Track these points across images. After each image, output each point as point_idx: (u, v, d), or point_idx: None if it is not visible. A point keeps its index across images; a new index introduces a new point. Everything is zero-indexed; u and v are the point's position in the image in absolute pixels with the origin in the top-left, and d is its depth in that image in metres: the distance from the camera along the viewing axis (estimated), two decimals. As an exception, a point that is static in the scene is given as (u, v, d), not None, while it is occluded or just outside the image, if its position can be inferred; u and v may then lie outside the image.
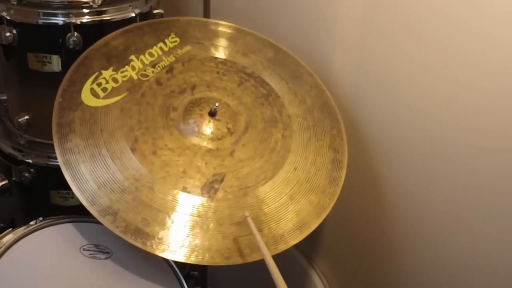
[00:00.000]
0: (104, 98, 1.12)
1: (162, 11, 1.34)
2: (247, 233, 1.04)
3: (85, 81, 1.13)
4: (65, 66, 1.19)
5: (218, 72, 1.24)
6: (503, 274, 1.14)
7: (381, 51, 1.23)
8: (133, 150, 1.07)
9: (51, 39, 1.21)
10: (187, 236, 1.01)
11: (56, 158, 1.06)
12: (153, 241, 1.00)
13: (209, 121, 1.15)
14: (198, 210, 1.04)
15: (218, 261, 1.01)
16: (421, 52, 1.15)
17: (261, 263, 1.03)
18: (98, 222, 1.01)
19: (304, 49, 1.34)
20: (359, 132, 1.31)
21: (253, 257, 1.02)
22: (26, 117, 1.29)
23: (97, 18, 1.21)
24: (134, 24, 1.24)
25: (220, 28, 1.31)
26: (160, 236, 1.00)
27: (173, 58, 1.22)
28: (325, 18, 1.32)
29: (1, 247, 1.04)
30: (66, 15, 1.19)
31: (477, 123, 1.10)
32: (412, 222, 1.29)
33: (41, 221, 1.12)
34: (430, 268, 1.28)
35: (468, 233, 1.18)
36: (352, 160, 1.20)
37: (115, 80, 1.15)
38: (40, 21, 1.20)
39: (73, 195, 1.16)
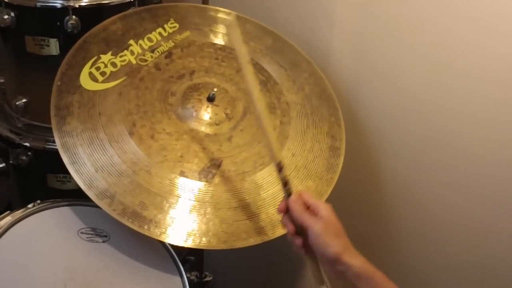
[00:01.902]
0: (102, 82, 1.12)
1: (161, -5, 1.34)
2: (244, 218, 1.05)
3: (83, 65, 1.13)
4: (63, 49, 1.19)
5: (217, 58, 1.24)
6: (505, 261, 1.16)
7: (379, 37, 1.23)
8: (131, 134, 1.08)
9: (49, 22, 1.21)
10: (184, 220, 1.02)
11: (53, 141, 1.07)
12: (150, 224, 1.00)
13: (207, 106, 1.15)
14: (195, 195, 1.05)
15: (215, 245, 1.02)
16: (419, 38, 1.15)
17: (258, 248, 1.04)
18: (96, 206, 1.02)
19: (303, 36, 1.34)
20: (357, 119, 1.32)
21: (250, 242, 1.03)
22: (24, 100, 1.29)
23: (95, 1, 1.21)
24: (133, 9, 1.24)
25: (219, 15, 1.31)
26: (157, 219, 1.01)
27: (172, 44, 1.22)
28: (323, 4, 1.32)
29: (-1, 229, 1.05)
30: (65, -2, 1.18)
31: (475, 110, 1.11)
32: (411, 209, 1.30)
33: (39, 204, 1.12)
34: (428, 253, 1.29)
35: (467, 218, 1.19)
36: (350, 147, 1.21)
37: (113, 64, 1.15)
38: (38, 4, 1.19)
39: (70, 179, 1.17)
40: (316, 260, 0.93)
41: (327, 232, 0.87)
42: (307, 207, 0.91)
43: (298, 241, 0.92)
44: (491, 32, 1.04)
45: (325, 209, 0.90)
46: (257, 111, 0.95)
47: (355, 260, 0.86)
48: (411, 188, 1.27)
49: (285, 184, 0.93)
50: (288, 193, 0.93)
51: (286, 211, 0.93)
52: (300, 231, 0.91)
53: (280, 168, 0.93)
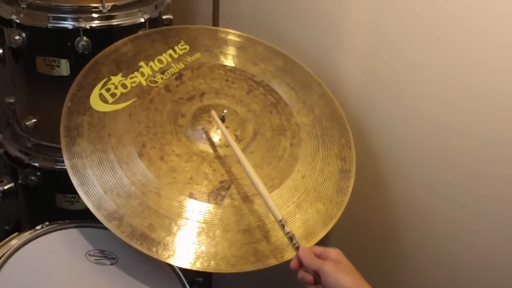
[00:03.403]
0: (112, 103, 1.13)
1: (171, 17, 1.35)
2: (254, 241, 1.04)
3: (94, 86, 1.14)
4: (74, 70, 1.20)
5: (227, 80, 1.24)
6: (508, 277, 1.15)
7: (389, 58, 1.23)
8: (140, 155, 1.08)
9: (60, 43, 1.22)
10: (193, 243, 1.01)
11: (62, 161, 1.07)
12: (159, 246, 1.00)
13: (217, 128, 1.15)
14: (204, 217, 1.04)
15: (224, 269, 1.01)
16: (430, 58, 1.15)
17: (267, 270, 1.03)
18: (104, 228, 1.01)
19: (313, 56, 1.35)
20: (367, 140, 1.31)
21: (258, 265, 1.02)
22: (34, 120, 1.30)
23: (106, 23, 1.22)
24: (143, 31, 1.25)
25: (230, 37, 1.32)
26: (165, 242, 1.00)
27: (183, 65, 1.22)
28: (333, 25, 1.32)
29: (7, 251, 1.04)
30: (76, 20, 1.19)
31: (490, 131, 1.10)
32: (422, 232, 1.28)
33: (47, 225, 1.12)
34: (441, 276, 1.28)
35: (481, 241, 1.18)
36: (360, 168, 1.20)
37: (124, 85, 1.15)
38: (50, 25, 1.20)
39: (79, 199, 1.17)
40: None
41: (337, 270, 0.90)
42: (318, 256, 0.94)
43: None
44: (506, 53, 1.04)
45: (334, 252, 0.94)
46: (249, 176, 1.02)
47: None
48: (423, 211, 1.26)
49: (291, 239, 0.96)
50: (296, 247, 0.96)
51: (299, 266, 0.95)
52: (317, 278, 0.93)
53: (282, 225, 0.97)
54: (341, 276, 0.89)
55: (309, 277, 0.93)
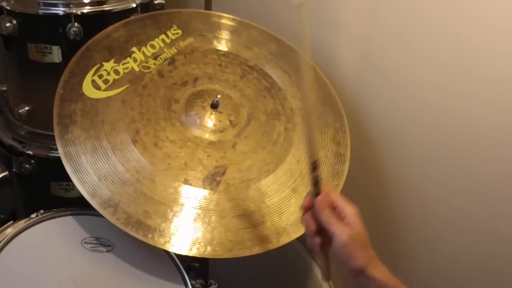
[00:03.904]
0: (105, 89, 1.12)
1: (163, 2, 1.33)
2: (250, 226, 1.05)
3: (86, 73, 1.13)
4: (66, 57, 1.19)
5: (220, 65, 1.24)
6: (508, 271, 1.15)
7: (385, 42, 1.22)
8: (134, 142, 1.07)
9: (51, 29, 1.21)
10: (189, 229, 1.02)
11: (56, 149, 1.07)
12: (155, 233, 1.00)
13: (211, 113, 1.15)
14: (200, 203, 1.04)
15: (220, 254, 1.01)
16: (427, 42, 1.15)
17: (264, 255, 1.03)
18: (99, 215, 1.02)
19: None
20: (362, 125, 1.31)
21: (255, 250, 1.03)
22: (27, 108, 1.29)
23: (98, 8, 1.21)
24: (135, 16, 1.24)
25: (223, 21, 1.31)
26: (161, 228, 1.01)
27: (175, 50, 1.22)
28: (328, 8, 1.31)
29: (2, 240, 1.05)
30: (67, 5, 1.18)
31: (485, 115, 1.10)
32: (417, 215, 1.29)
33: (42, 213, 1.12)
34: (435, 260, 1.28)
35: (475, 224, 1.18)
36: (355, 153, 1.21)
37: (116, 72, 1.15)
38: (41, 11, 1.19)
39: (73, 187, 1.17)
40: (328, 258, 0.91)
41: (354, 243, 0.84)
42: (333, 208, 0.88)
43: (317, 240, 0.89)
44: (503, 35, 1.03)
45: (352, 215, 0.86)
46: (306, 107, 0.93)
47: (379, 273, 0.84)
48: (418, 195, 1.27)
49: (316, 183, 0.89)
50: (316, 192, 0.89)
51: (309, 209, 0.89)
52: (321, 231, 0.88)
53: (315, 167, 0.88)
54: (356, 250, 0.83)
55: (313, 226, 0.88)
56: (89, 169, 1.04)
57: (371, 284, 0.84)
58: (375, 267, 0.85)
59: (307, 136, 0.91)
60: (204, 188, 1.06)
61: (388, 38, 1.22)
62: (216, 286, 1.45)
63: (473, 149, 1.13)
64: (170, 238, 1.00)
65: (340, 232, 0.84)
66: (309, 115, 0.92)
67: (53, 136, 1.08)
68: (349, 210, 0.87)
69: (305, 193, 1.10)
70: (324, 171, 1.15)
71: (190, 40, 1.24)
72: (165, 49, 1.21)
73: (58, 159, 1.05)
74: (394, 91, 1.25)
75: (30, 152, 1.30)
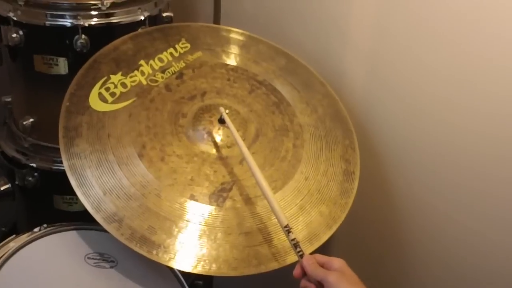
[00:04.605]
0: (112, 102, 1.13)
1: (171, 14, 1.35)
2: (256, 243, 1.05)
3: (93, 85, 1.14)
4: (72, 68, 1.21)
5: (228, 79, 1.24)
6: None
7: (394, 57, 1.23)
8: (140, 156, 1.08)
9: (58, 41, 1.22)
10: (194, 246, 1.02)
11: (60, 162, 1.08)
12: (159, 249, 1.00)
13: (219, 128, 1.16)
14: (205, 219, 1.05)
15: (225, 272, 1.01)
16: (436, 57, 1.15)
17: (268, 274, 1.03)
18: (103, 230, 1.02)
19: (316, 56, 1.35)
20: (372, 141, 1.32)
21: (261, 269, 1.03)
22: (31, 120, 1.30)
23: (105, 20, 1.22)
24: (143, 29, 1.26)
25: (232, 35, 1.32)
26: (166, 244, 1.01)
27: (183, 64, 1.23)
28: (337, 23, 1.32)
29: (4, 254, 1.05)
30: (74, 17, 1.20)
31: (496, 131, 1.10)
32: (428, 235, 1.29)
33: (45, 228, 1.12)
34: (447, 279, 1.28)
35: (487, 244, 1.18)
36: (365, 170, 1.21)
37: (123, 85, 1.16)
38: (48, 23, 1.21)
39: (77, 200, 1.18)
40: None
41: (341, 280, 0.90)
42: (321, 266, 0.94)
43: None
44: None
45: (338, 262, 0.93)
46: (257, 180, 1.02)
47: None
48: (430, 214, 1.27)
49: (296, 246, 0.96)
50: (300, 255, 0.95)
51: (302, 274, 0.95)
52: None
53: (288, 231, 0.97)
54: (345, 287, 0.89)
55: (312, 287, 0.93)
56: (94, 183, 1.04)
57: None
58: None
59: (269, 205, 1.00)
60: (210, 204, 1.06)
61: (397, 53, 1.23)
62: (220, 304, 1.45)
63: (486, 168, 1.14)
64: (174, 255, 1.00)
65: (328, 275, 0.91)
66: (263, 186, 1.01)
67: (57, 149, 1.08)
68: (335, 260, 0.94)
69: (312, 212, 1.11)
70: (333, 189, 1.15)
71: (198, 54, 1.25)
72: (173, 63, 1.22)
73: (62, 172, 1.06)
74: (403, 107, 1.25)
75: (34, 165, 1.30)
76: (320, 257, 0.96)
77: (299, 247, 0.96)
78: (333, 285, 0.89)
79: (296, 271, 0.96)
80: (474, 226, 1.19)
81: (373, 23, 1.26)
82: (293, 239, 0.96)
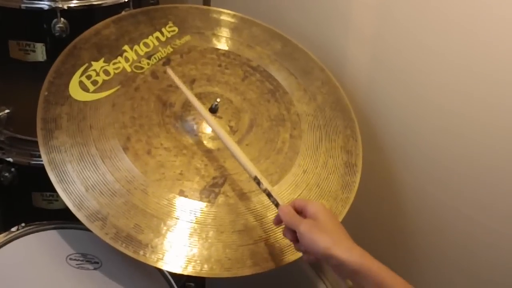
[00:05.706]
0: (94, 92, 1.12)
1: (157, -4, 1.35)
2: (250, 242, 1.04)
3: (73, 73, 1.13)
4: (50, 55, 1.20)
5: (220, 65, 1.24)
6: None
7: (399, 42, 1.23)
8: (125, 149, 1.07)
9: (35, 25, 1.21)
10: (184, 245, 1.01)
11: (39, 156, 1.07)
12: (146, 249, 0.99)
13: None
14: (196, 216, 1.04)
15: (218, 273, 1.01)
16: (442, 43, 1.15)
17: (264, 275, 1.03)
18: (86, 229, 1.01)
19: (315, 40, 1.35)
20: (375, 132, 1.32)
21: (256, 269, 1.02)
22: (7, 111, 1.29)
23: (85, 2, 1.21)
24: (127, 12, 1.25)
25: (223, 17, 1.31)
26: (154, 244, 1.00)
27: (171, 49, 1.22)
28: (338, 5, 1.32)
29: (-21, 255, 1.05)
30: (52, -1, 1.19)
31: (504, 121, 1.10)
32: (433, 230, 1.29)
33: (23, 227, 1.12)
34: (451, 272, 1.28)
35: (493, 236, 1.18)
36: (367, 162, 1.20)
37: (106, 72, 1.15)
38: (23, 5, 1.19)
39: (57, 197, 1.17)
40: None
41: (311, 230, 0.90)
42: (300, 212, 0.95)
43: (302, 248, 0.94)
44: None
45: (312, 208, 0.94)
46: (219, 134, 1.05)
47: (347, 253, 0.87)
48: (435, 207, 1.27)
49: (269, 195, 0.98)
50: (275, 204, 0.97)
51: (280, 222, 0.97)
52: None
53: (258, 182, 0.99)
54: (316, 236, 0.89)
55: (290, 234, 0.95)
56: (76, 178, 1.04)
57: (343, 267, 0.88)
58: (341, 248, 0.88)
59: (235, 157, 1.03)
60: (201, 200, 1.06)
61: (402, 38, 1.23)
62: (212, 307, 1.45)
63: (497, 161, 1.13)
64: (163, 255, 1.00)
65: (301, 225, 0.92)
66: (226, 139, 1.04)
67: (35, 142, 1.08)
68: (311, 207, 0.94)
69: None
70: (333, 183, 1.15)
71: (187, 38, 1.25)
72: (160, 48, 1.21)
73: (41, 167, 1.05)
74: (408, 95, 1.25)
75: (10, 160, 1.30)
76: (298, 201, 0.97)
77: (273, 197, 0.97)
78: (303, 235, 0.90)
79: (275, 220, 0.99)
80: (483, 221, 1.19)
81: (377, 4, 1.26)
82: (265, 189, 0.98)
